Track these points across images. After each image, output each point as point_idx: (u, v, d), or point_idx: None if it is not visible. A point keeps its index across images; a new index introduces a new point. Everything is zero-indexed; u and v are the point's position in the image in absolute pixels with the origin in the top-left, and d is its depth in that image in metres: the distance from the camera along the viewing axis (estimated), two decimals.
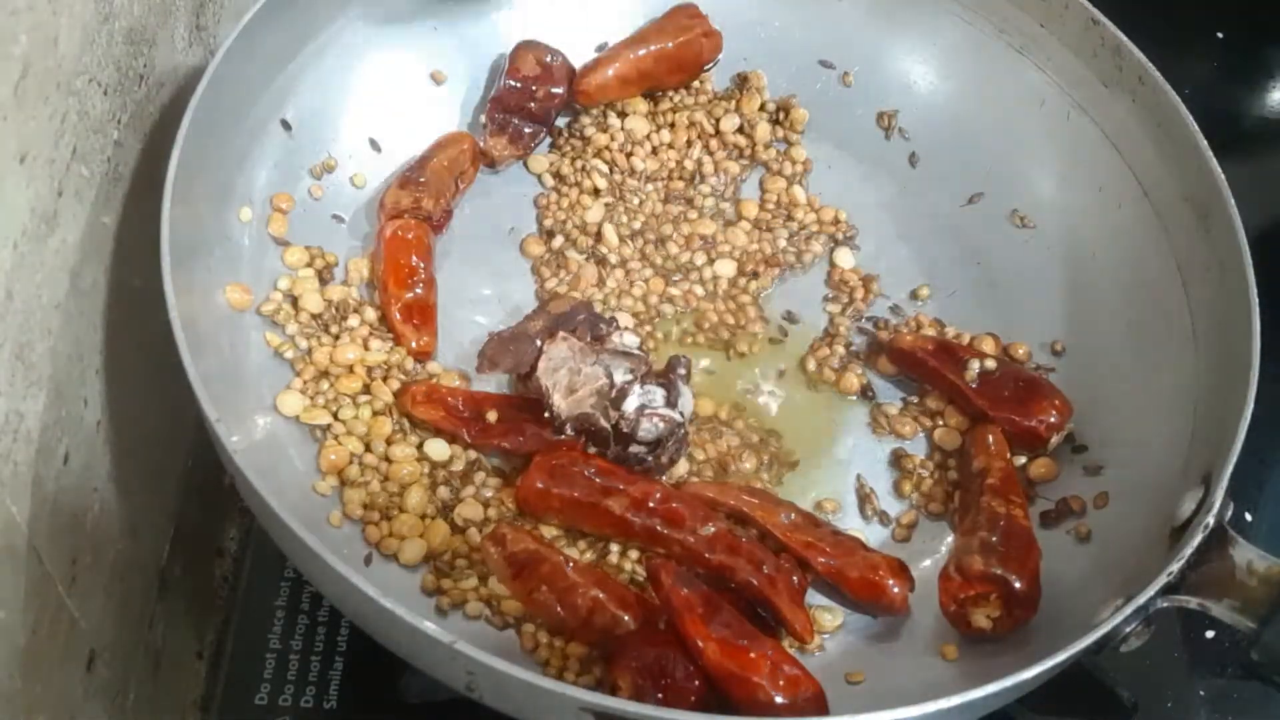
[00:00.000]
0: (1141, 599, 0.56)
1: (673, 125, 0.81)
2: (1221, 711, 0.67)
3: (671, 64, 0.80)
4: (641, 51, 0.79)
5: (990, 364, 0.71)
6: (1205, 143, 0.69)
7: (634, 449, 0.65)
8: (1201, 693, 0.68)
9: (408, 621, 0.51)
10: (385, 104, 0.76)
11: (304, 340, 0.68)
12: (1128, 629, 0.57)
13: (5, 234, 0.49)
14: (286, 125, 0.72)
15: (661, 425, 0.65)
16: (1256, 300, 0.64)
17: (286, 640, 0.66)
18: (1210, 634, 0.68)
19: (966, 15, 0.80)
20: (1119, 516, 0.66)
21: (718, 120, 0.81)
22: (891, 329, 0.75)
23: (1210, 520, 0.58)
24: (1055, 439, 0.70)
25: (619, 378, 0.65)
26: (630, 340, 0.68)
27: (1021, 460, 0.70)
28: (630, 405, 0.65)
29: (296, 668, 0.65)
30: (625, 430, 0.65)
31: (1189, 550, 0.57)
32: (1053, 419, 0.69)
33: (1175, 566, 0.57)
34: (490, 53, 0.80)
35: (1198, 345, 0.68)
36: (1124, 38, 0.73)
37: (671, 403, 0.66)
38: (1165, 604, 0.58)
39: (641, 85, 0.80)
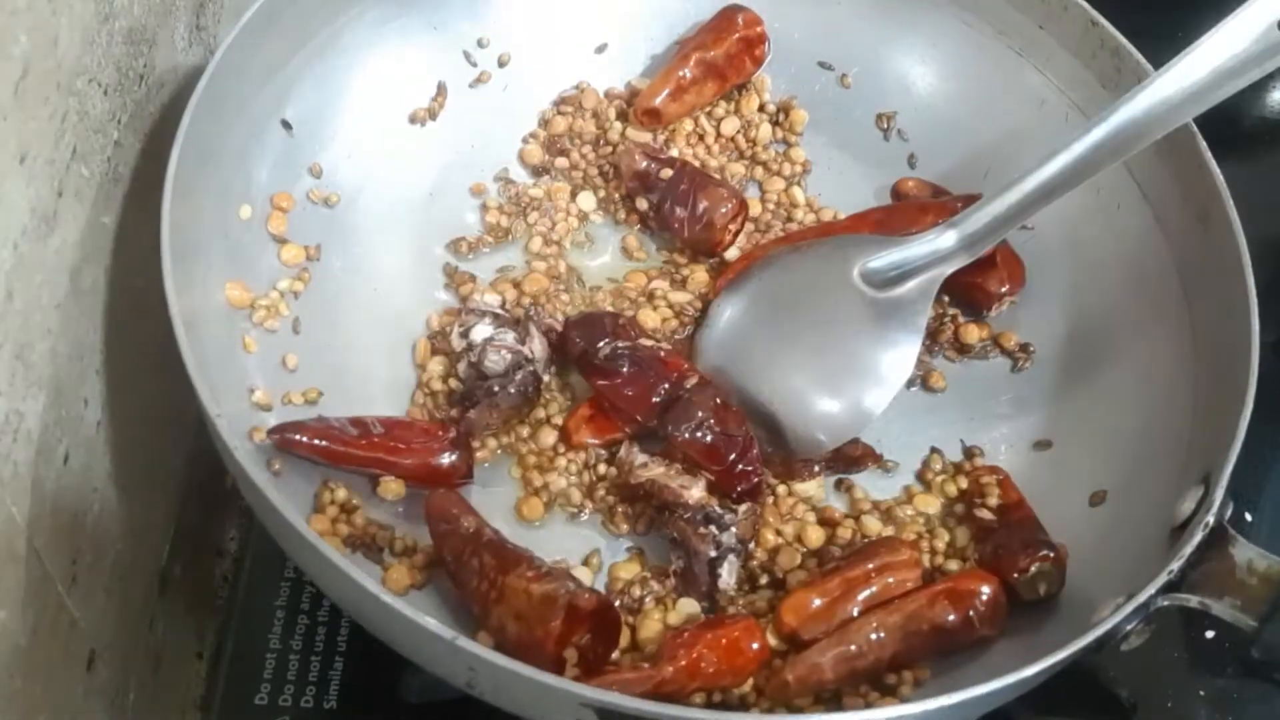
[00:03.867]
0: (1142, 598, 0.56)
1: (673, 130, 0.80)
2: (1221, 711, 0.67)
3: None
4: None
5: None
6: (1205, 143, 0.69)
7: (482, 381, 0.67)
8: (1201, 693, 0.67)
9: (409, 617, 0.51)
10: (385, 104, 0.76)
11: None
12: (1128, 628, 0.57)
13: (5, 234, 0.49)
14: (286, 125, 0.72)
15: (509, 357, 0.67)
16: (1256, 300, 0.64)
17: (286, 640, 0.66)
18: (1210, 633, 0.67)
19: (966, 17, 0.80)
20: (1119, 516, 0.66)
21: (719, 122, 0.81)
22: None
23: (1210, 519, 0.58)
24: (995, 307, 0.74)
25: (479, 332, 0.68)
26: (491, 300, 0.71)
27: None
28: (478, 335, 0.67)
29: (296, 668, 0.65)
30: (473, 361, 0.67)
31: (1189, 549, 0.57)
32: (997, 288, 0.73)
33: (1175, 565, 0.57)
34: (490, 53, 0.80)
35: (1197, 346, 0.68)
36: (1124, 39, 0.73)
37: (521, 340, 0.68)
38: (1165, 603, 0.58)
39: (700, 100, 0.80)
